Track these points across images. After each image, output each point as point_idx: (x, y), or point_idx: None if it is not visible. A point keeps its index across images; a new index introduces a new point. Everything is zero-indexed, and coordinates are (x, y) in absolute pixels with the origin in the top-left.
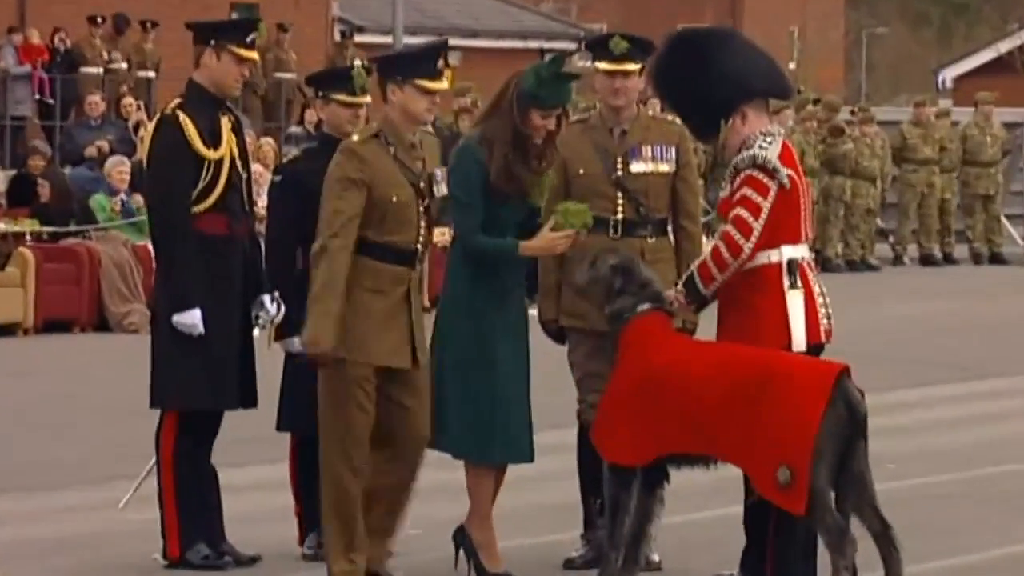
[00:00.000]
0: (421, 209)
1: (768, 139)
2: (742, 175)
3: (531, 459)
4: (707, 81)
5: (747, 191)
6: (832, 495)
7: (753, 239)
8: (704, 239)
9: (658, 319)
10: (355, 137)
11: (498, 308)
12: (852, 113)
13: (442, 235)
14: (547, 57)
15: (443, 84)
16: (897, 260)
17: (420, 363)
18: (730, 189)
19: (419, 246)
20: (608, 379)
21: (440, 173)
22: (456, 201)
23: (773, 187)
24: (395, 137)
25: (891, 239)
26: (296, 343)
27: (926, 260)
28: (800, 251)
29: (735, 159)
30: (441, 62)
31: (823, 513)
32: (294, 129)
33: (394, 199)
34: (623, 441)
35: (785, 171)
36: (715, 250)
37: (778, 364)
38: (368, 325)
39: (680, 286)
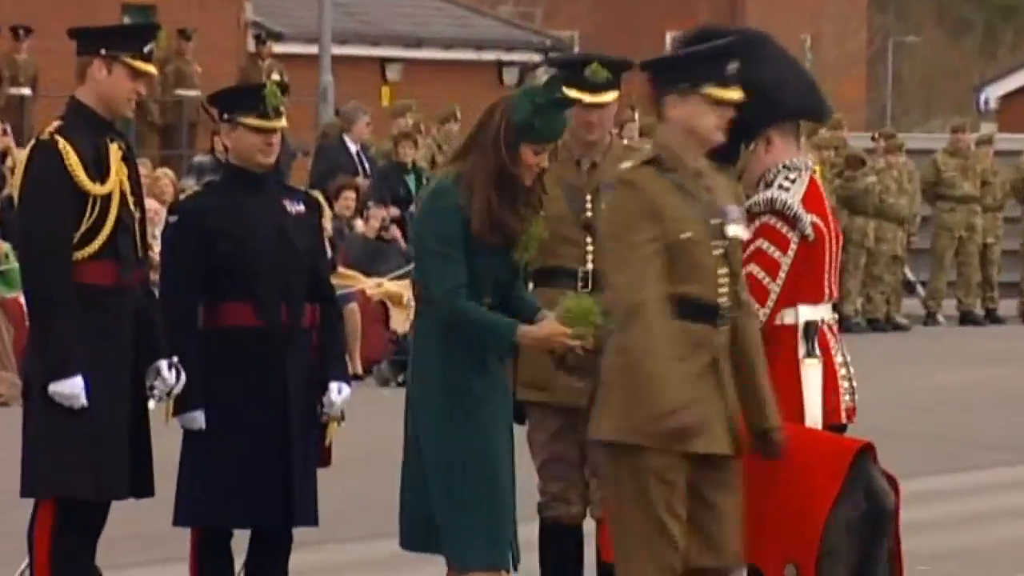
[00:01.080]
0: (718, 252)
1: (792, 175)
2: (758, 222)
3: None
4: None
5: (763, 243)
6: None
7: (769, 305)
8: None
9: None
10: (625, 164)
11: (486, 386)
12: (875, 139)
13: (378, 287)
14: (537, 76)
15: (733, 94)
16: (930, 318)
17: (738, 449)
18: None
19: (722, 299)
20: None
21: (735, 211)
22: (429, 253)
23: (794, 239)
24: (676, 162)
25: (922, 293)
26: (199, 419)
27: (965, 318)
28: (820, 312)
29: (749, 201)
30: (731, 65)
31: None
32: (200, 158)
33: (684, 237)
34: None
35: (809, 219)
36: None
37: (794, 440)
38: None
39: None
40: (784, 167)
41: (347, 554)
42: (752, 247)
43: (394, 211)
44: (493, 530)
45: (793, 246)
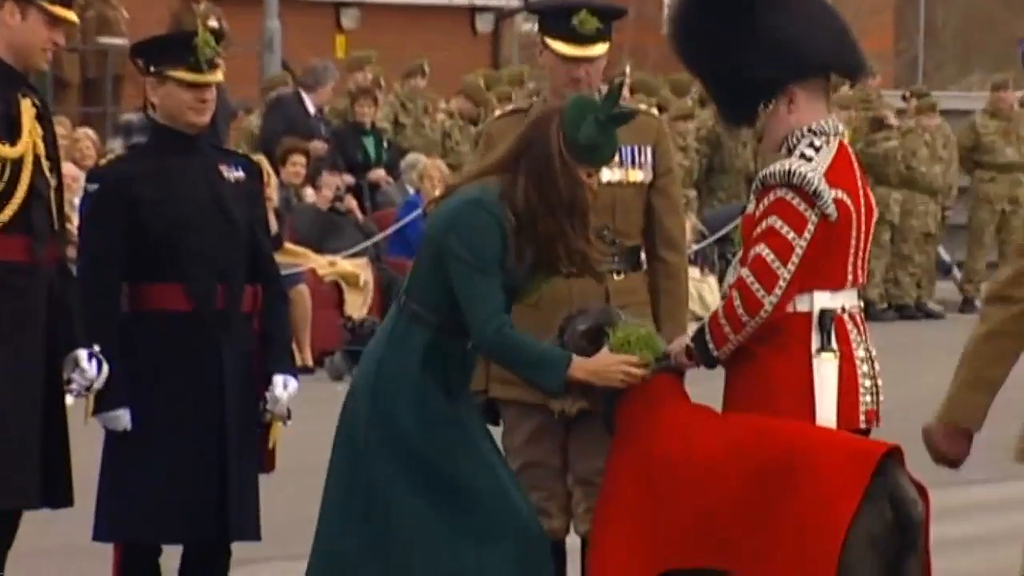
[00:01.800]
0: None
1: (818, 141)
2: (772, 195)
3: None
4: (752, 48)
5: (775, 221)
6: None
7: (777, 292)
8: (699, 274)
9: (661, 386)
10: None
11: (467, 408)
12: (905, 99)
13: (331, 266)
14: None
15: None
16: (967, 304)
17: None
18: (755, 207)
19: None
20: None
21: None
22: (472, 270)
23: (812, 218)
24: None
25: (958, 275)
26: (123, 418)
27: None
28: (841, 299)
29: (763, 172)
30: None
31: None
32: (129, 116)
33: None
34: (618, 561)
35: (832, 194)
36: (728, 305)
37: (802, 442)
38: None
39: (690, 340)
40: (810, 131)
41: (293, 573)
42: (763, 224)
43: (349, 179)
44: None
45: (810, 227)
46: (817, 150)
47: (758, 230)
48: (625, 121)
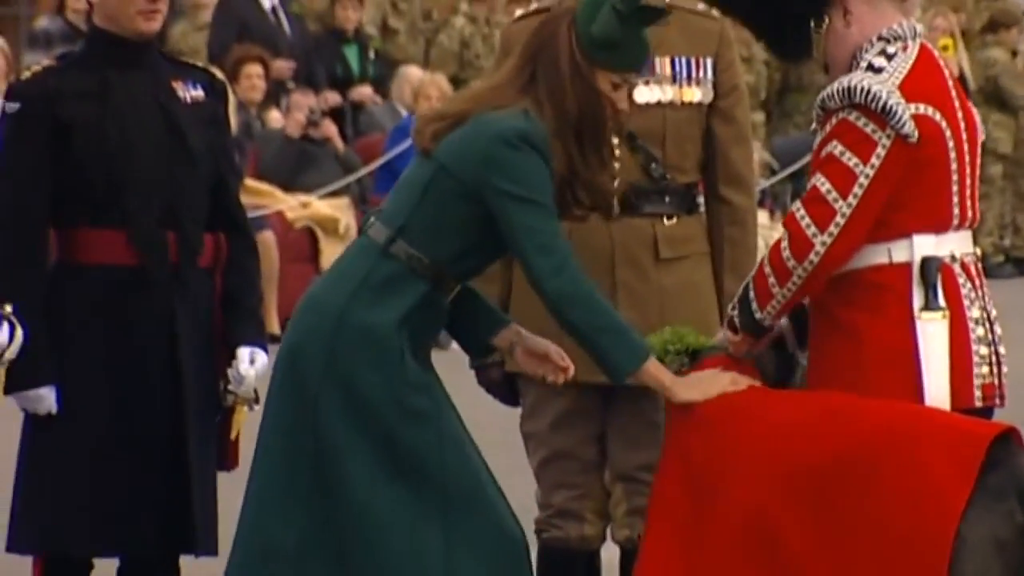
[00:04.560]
0: None
1: (892, 48)
2: (833, 119)
3: None
4: None
5: (835, 147)
6: None
7: (832, 231)
8: (767, 218)
9: (719, 367)
10: None
11: (433, 383)
12: None
13: (303, 208)
14: None
15: None
16: None
17: None
18: (819, 136)
19: None
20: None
21: None
22: (532, 203)
23: (883, 141)
24: None
25: None
26: (47, 399)
27: None
28: (948, 245)
29: (823, 92)
30: None
31: None
32: (44, 23)
33: None
34: (672, 571)
35: (910, 110)
36: (774, 250)
37: (899, 426)
38: None
39: (732, 306)
40: (880, 39)
41: None
42: (823, 152)
43: (332, 98)
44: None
45: (880, 151)
46: (890, 58)
47: (818, 159)
48: (655, 19)
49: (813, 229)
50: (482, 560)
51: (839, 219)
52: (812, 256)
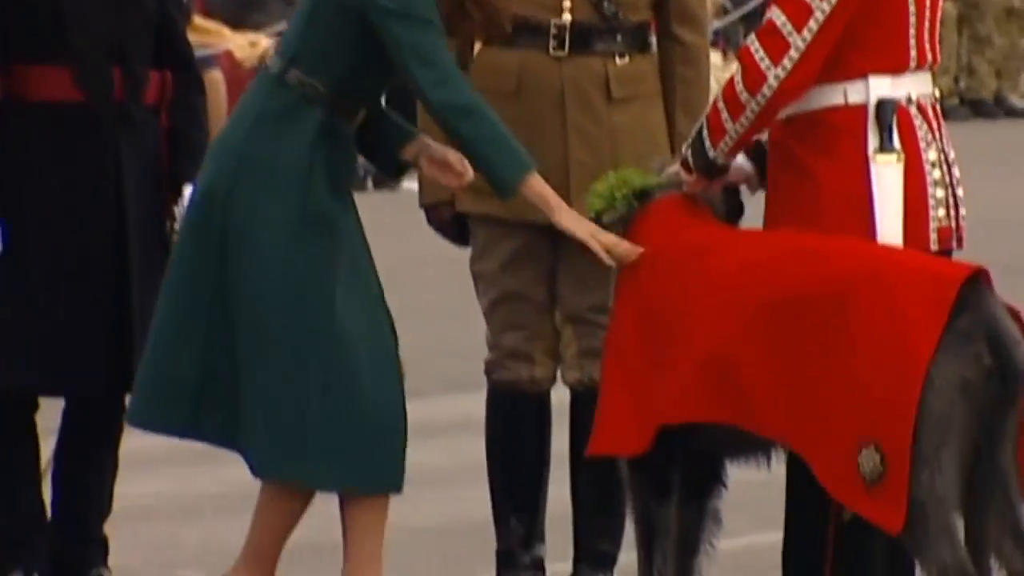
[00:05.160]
0: None
1: None
2: None
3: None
4: None
5: None
6: (956, 503)
7: (787, 64)
8: (720, 59)
9: (674, 205)
10: None
11: (339, 215)
12: None
13: (252, 47)
14: None
15: None
16: None
17: None
18: None
19: None
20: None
21: None
22: (420, 21)
23: None
24: None
25: None
26: None
27: None
28: (905, 87)
29: None
30: None
31: (935, 538)
32: None
33: None
34: (608, 421)
35: None
36: (728, 84)
37: (869, 266)
38: None
39: (686, 146)
40: None
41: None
42: None
43: None
44: (365, 429)
45: None
46: None
47: None
48: None
49: (767, 62)
50: (354, 414)
51: (793, 53)
52: (765, 89)
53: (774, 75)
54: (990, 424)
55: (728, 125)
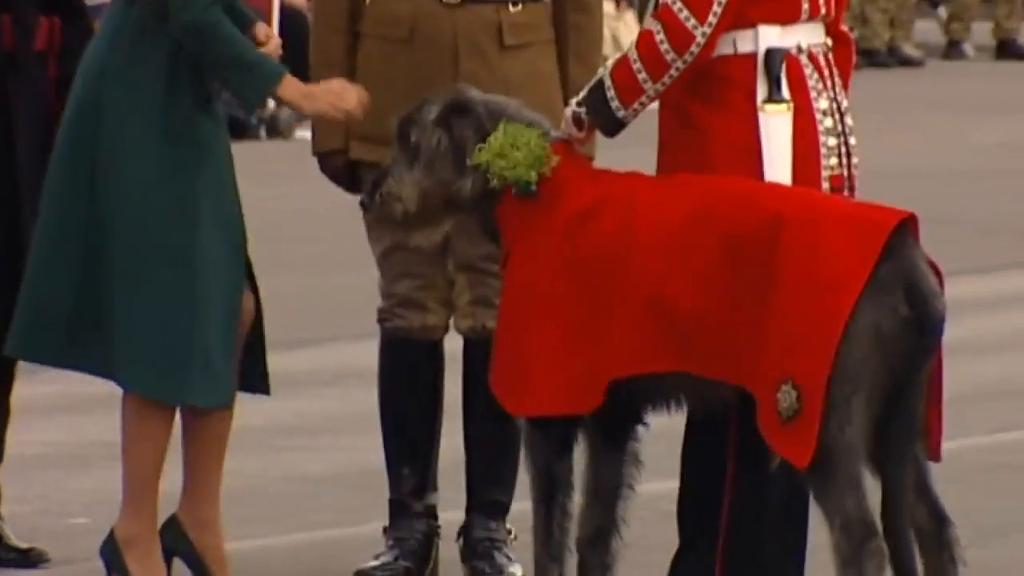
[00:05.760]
0: None
1: None
2: None
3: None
4: None
5: None
6: (863, 453)
7: (712, 21)
8: (613, 8)
9: (576, 163)
10: None
11: (215, 133)
12: None
13: None
14: None
15: None
16: (953, 48)
17: None
18: None
19: None
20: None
21: None
22: None
23: None
24: None
25: (943, 13)
26: None
27: (1004, 49)
28: (795, 36)
29: None
30: None
31: (840, 486)
32: None
33: None
34: (550, 379)
35: None
36: (645, 42)
37: (800, 210)
38: None
39: (578, 102)
40: None
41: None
42: None
43: None
44: (209, 340)
45: None
46: None
47: None
48: None
49: (693, 21)
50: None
51: (716, 8)
52: (694, 48)
53: (701, 33)
54: (904, 376)
55: (647, 85)
